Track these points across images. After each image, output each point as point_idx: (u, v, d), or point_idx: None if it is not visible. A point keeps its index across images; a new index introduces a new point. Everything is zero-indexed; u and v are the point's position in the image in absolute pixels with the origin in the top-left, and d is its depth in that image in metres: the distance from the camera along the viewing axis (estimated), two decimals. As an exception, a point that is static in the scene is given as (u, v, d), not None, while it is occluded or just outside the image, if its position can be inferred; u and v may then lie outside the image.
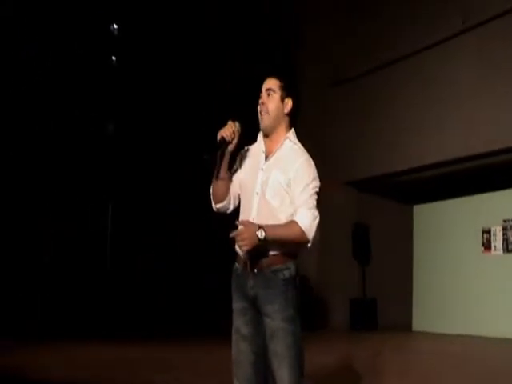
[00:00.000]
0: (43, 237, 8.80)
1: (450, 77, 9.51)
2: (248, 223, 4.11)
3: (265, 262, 4.18)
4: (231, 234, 4.09)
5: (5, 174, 8.68)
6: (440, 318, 11.15)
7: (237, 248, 4.32)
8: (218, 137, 4.13)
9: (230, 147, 4.22)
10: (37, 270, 8.76)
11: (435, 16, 9.81)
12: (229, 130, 4.18)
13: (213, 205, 4.41)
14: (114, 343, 8.16)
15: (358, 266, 11.70)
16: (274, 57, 11.06)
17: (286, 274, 4.24)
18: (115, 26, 8.91)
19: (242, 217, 4.35)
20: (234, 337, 4.29)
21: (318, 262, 11.31)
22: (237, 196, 4.46)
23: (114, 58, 9.00)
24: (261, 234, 4.09)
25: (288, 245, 4.24)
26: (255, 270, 4.20)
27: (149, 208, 9.54)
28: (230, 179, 4.37)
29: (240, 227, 4.09)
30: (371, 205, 12.04)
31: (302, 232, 4.22)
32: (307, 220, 4.23)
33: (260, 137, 4.48)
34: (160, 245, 9.55)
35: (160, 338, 8.63)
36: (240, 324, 4.27)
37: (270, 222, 4.22)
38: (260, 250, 4.12)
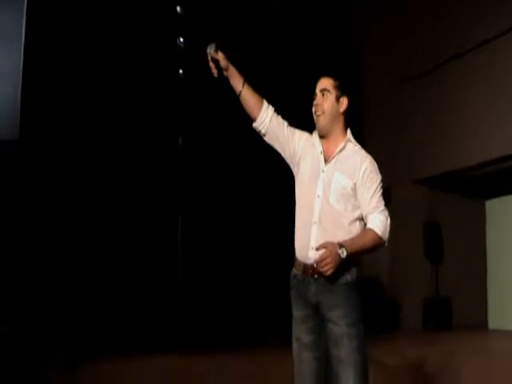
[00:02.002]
0: (113, 251, 8.85)
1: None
2: (328, 245, 4.04)
3: None
4: (315, 261, 4.04)
5: (78, 185, 8.77)
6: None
7: (297, 255, 4.27)
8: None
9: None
10: (106, 283, 8.80)
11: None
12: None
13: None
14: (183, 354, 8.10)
15: (431, 265, 11.52)
16: (339, 55, 10.97)
17: (349, 278, 4.19)
18: (181, 39, 8.93)
19: (301, 219, 4.31)
20: (294, 345, 4.27)
21: (390, 262, 11.20)
22: (277, 126, 4.42)
23: (180, 71, 9.02)
24: (342, 253, 4.04)
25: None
26: (316, 276, 4.15)
27: (217, 220, 9.54)
28: (236, 73, 4.39)
29: (321, 251, 4.02)
30: (442, 202, 11.85)
31: (380, 238, 4.18)
32: (382, 224, 4.20)
33: (315, 137, 4.42)
34: (230, 255, 9.55)
35: (228, 347, 8.54)
36: (301, 332, 4.24)
37: (332, 227, 4.17)
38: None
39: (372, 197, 4.24)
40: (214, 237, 9.52)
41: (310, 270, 4.17)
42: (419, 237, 11.57)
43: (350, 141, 4.35)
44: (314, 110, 4.37)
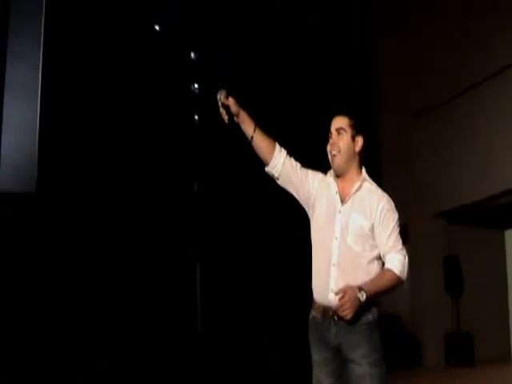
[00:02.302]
0: (130, 302, 8.84)
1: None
2: (348, 289, 4.04)
3: None
4: (335, 307, 4.04)
5: (95, 237, 8.78)
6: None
7: (316, 297, 4.26)
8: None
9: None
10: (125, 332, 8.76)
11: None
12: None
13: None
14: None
15: (451, 300, 11.44)
16: (354, 94, 11.02)
17: (370, 317, 4.18)
18: (196, 85, 9.03)
19: (319, 261, 4.30)
20: None
21: (409, 298, 11.12)
22: (290, 169, 4.40)
23: (196, 117, 9.10)
24: (362, 296, 4.04)
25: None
26: (335, 318, 4.14)
27: (235, 265, 9.54)
28: (247, 118, 4.38)
29: (339, 296, 4.02)
30: (461, 234, 11.79)
31: (398, 278, 4.18)
32: (400, 263, 4.19)
33: (330, 177, 4.42)
34: (248, 300, 9.53)
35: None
36: (322, 375, 4.23)
37: (351, 268, 4.17)
38: None
39: (389, 236, 4.23)
40: (232, 282, 9.49)
41: (330, 312, 4.16)
42: (439, 271, 11.51)
43: (366, 180, 4.34)
44: (329, 148, 4.36)
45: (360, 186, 4.30)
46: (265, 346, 9.36)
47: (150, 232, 9.19)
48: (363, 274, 4.16)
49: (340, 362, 4.17)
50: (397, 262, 4.19)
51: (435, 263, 11.46)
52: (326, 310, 4.19)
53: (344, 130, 4.34)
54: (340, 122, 4.38)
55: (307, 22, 10.79)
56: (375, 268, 4.23)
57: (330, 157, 4.38)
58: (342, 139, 4.32)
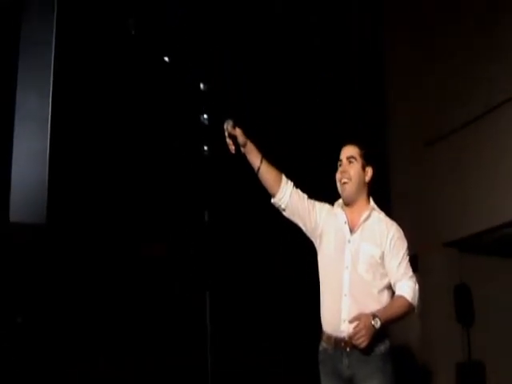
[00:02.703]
0: (140, 335, 8.82)
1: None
2: (362, 316, 4.06)
3: None
4: (350, 335, 4.03)
5: (105, 268, 8.78)
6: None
7: (326, 329, 4.24)
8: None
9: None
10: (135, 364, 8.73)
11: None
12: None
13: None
14: None
15: (462, 329, 11.36)
16: (364, 123, 11.03)
17: (382, 348, 4.19)
18: (205, 116, 9.07)
19: (329, 291, 4.30)
20: None
21: (421, 328, 11.05)
22: (298, 200, 4.38)
23: (205, 147, 9.14)
24: (376, 323, 4.06)
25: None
26: (348, 349, 4.12)
27: (245, 293, 9.53)
28: (254, 149, 4.44)
29: (354, 324, 4.01)
30: (472, 263, 11.72)
31: (410, 304, 4.21)
32: (411, 290, 4.23)
33: (337, 208, 4.42)
34: (258, 330, 9.51)
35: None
36: None
37: (363, 297, 4.19)
38: None
39: (400, 264, 4.27)
40: (242, 310, 9.46)
41: (342, 343, 4.15)
42: (450, 300, 11.43)
43: (374, 209, 4.37)
44: (339, 176, 4.39)
45: (369, 215, 4.34)
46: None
47: (160, 262, 9.20)
48: (374, 303, 4.18)
49: None
50: (408, 288, 4.22)
51: (446, 293, 11.38)
52: (338, 342, 4.19)
53: (355, 158, 4.39)
54: (350, 151, 4.42)
55: (315, 50, 10.84)
56: (385, 297, 4.24)
57: (339, 185, 4.41)
58: (353, 168, 4.37)
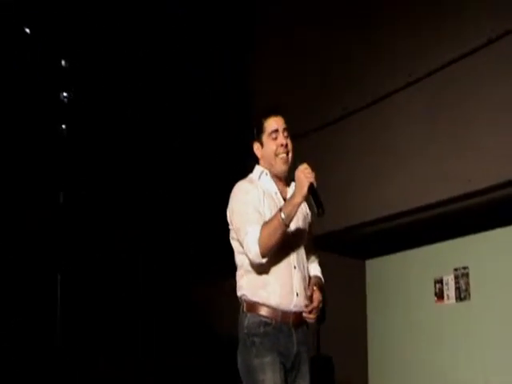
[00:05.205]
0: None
1: (402, 128, 9.23)
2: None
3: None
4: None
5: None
6: (397, 373, 11.03)
7: (274, 303, 4.02)
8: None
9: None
10: None
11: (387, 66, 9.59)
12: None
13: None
14: None
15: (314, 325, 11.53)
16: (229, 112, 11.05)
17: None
18: (65, 94, 8.87)
19: (279, 264, 4.09)
20: None
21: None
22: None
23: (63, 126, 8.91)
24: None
25: None
26: (295, 325, 4.03)
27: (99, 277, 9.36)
28: None
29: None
30: (324, 261, 11.90)
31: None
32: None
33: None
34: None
35: None
36: (279, 380, 3.93)
37: (304, 267, 4.09)
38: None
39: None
40: (94, 293, 9.27)
41: (290, 318, 4.00)
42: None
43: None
44: (280, 150, 4.17)
45: (290, 186, 4.24)
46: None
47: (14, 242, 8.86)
48: (307, 272, 4.16)
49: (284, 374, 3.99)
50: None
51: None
52: (286, 316, 4.02)
53: (287, 129, 4.22)
54: (282, 122, 4.21)
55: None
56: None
57: (277, 159, 4.21)
58: (289, 140, 4.22)
